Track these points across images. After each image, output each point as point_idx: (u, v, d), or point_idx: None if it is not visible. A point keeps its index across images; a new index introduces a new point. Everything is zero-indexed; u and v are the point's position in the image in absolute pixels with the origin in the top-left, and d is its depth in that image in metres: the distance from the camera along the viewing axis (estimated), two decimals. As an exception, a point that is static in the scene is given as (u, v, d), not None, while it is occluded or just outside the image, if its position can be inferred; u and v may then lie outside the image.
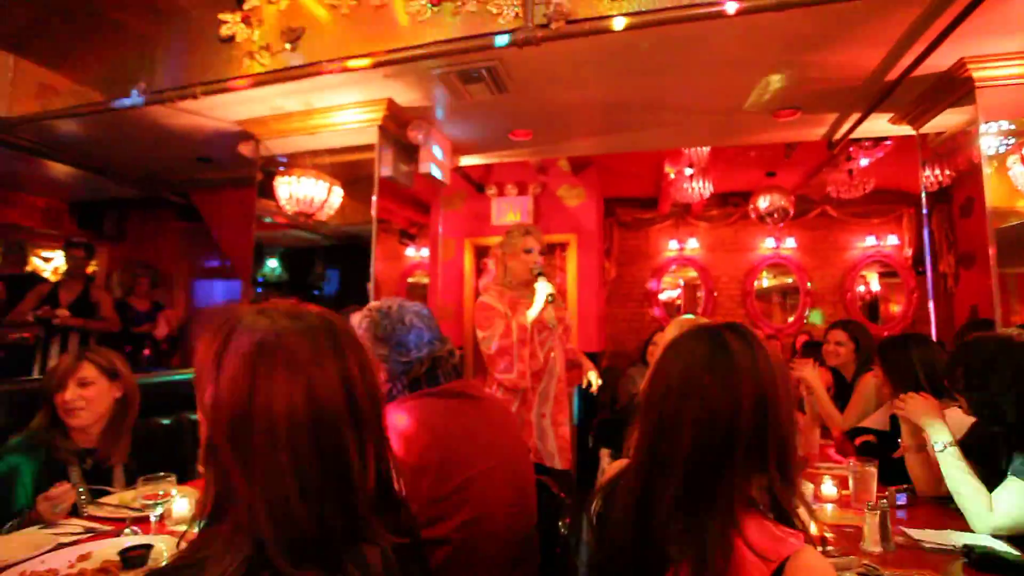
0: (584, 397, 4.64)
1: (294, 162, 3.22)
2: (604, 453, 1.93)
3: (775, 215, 5.30)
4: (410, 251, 6.21)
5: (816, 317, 6.12)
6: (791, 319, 6.22)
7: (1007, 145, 2.57)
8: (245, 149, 3.39)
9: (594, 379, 2.63)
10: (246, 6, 2.69)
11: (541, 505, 1.50)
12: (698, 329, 0.94)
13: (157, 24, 2.87)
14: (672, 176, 4.70)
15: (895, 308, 6.08)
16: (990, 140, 2.54)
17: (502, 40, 2.24)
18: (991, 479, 1.54)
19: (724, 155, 4.58)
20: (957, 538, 1.45)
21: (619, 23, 2.18)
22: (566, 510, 1.43)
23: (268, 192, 3.22)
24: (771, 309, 6.41)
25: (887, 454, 2.14)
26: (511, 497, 1.28)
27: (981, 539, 1.45)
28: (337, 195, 3.14)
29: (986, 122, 2.52)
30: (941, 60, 2.43)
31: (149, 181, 4.44)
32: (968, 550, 1.35)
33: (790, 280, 6.28)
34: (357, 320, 1.33)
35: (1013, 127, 2.56)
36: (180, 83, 2.76)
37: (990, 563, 1.30)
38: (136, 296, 4.45)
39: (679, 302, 6.56)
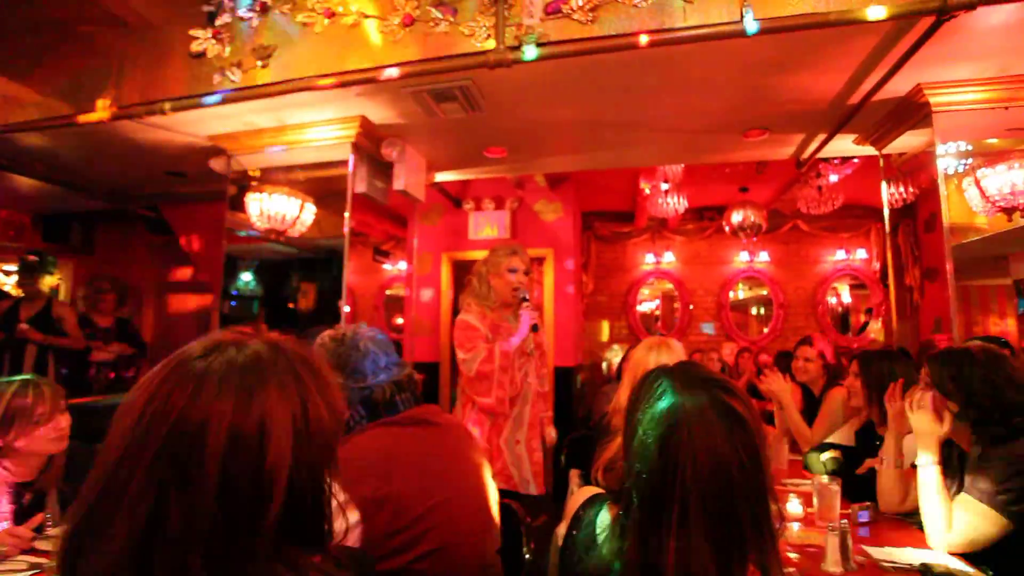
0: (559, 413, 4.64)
1: (266, 177, 3.19)
2: (574, 474, 1.93)
3: (748, 229, 5.40)
4: (387, 265, 6.18)
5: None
6: (766, 330, 6.32)
7: (964, 165, 2.67)
8: (216, 164, 3.35)
9: (552, 435, 2.64)
10: (218, 22, 2.67)
11: (507, 530, 1.49)
12: (696, 393, 0.89)
13: (126, 38, 2.83)
14: (647, 192, 4.77)
15: (865, 317, 6.22)
16: (947, 161, 2.63)
17: (473, 62, 2.26)
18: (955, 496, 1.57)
19: (699, 171, 4.66)
20: (915, 556, 1.48)
21: (591, 46, 2.21)
22: (531, 535, 1.42)
23: (240, 206, 3.18)
24: (747, 320, 6.51)
25: (852, 470, 2.18)
26: (473, 525, 1.27)
27: (939, 557, 1.48)
28: (309, 212, 3.12)
29: (943, 143, 2.61)
30: (899, 86, 2.51)
31: (118, 194, 4.35)
32: (925, 569, 1.38)
33: (764, 292, 6.39)
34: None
35: (970, 147, 2.65)
36: (148, 98, 2.72)
37: (945, 582, 1.33)
38: (100, 312, 4.13)
39: (657, 313, 6.63)
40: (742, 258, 6.34)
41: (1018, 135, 2.60)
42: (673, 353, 1.89)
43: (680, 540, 0.81)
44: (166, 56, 2.75)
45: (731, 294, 6.42)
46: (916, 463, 1.66)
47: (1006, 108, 2.48)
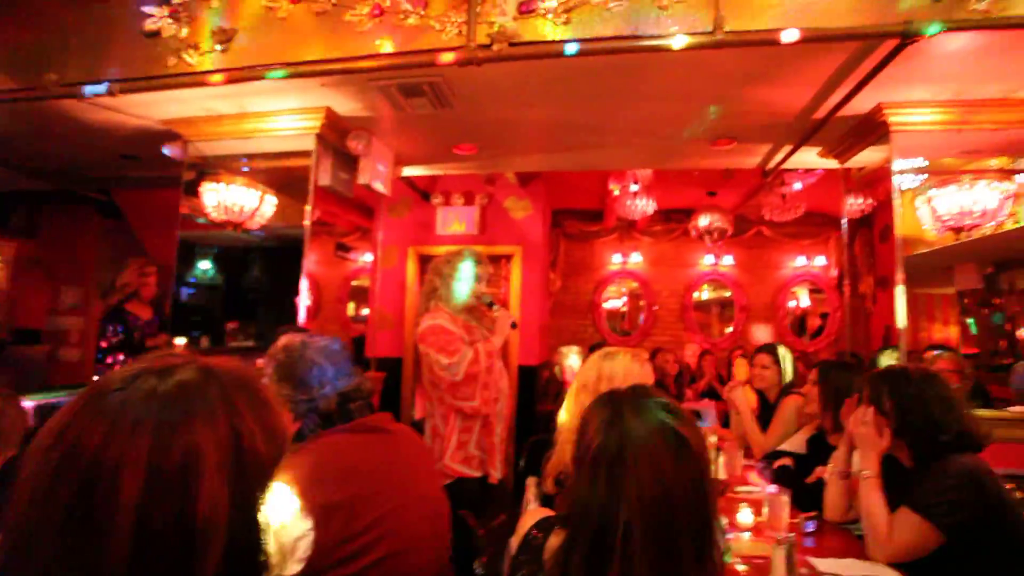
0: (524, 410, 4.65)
1: (225, 165, 3.06)
2: (531, 483, 1.93)
3: (714, 233, 5.50)
4: (354, 255, 6.06)
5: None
6: (729, 330, 6.46)
7: (919, 181, 2.77)
8: (171, 150, 3.20)
9: None
10: (175, 0, 2.54)
11: (459, 541, 1.48)
12: (643, 417, 0.89)
13: (74, 11, 2.65)
14: (616, 193, 4.79)
15: (821, 323, 6.42)
16: (903, 178, 2.72)
17: (443, 58, 2.21)
18: (892, 510, 1.63)
19: (668, 174, 4.70)
20: (857, 568, 1.53)
21: (563, 49, 2.18)
22: (483, 548, 1.41)
23: (197, 194, 3.05)
24: (709, 320, 6.64)
25: (803, 479, 2.24)
26: (426, 532, 1.27)
27: (878, 569, 1.53)
28: (270, 203, 3.01)
29: (900, 160, 2.70)
30: (862, 104, 2.58)
31: (65, 175, 4.12)
32: (865, 582, 1.42)
33: (728, 294, 6.54)
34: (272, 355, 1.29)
35: (926, 163, 2.75)
36: (97, 77, 2.56)
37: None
38: (140, 301, 3.48)
39: (624, 309, 6.70)
40: (707, 261, 6.46)
41: (970, 157, 2.70)
42: (622, 362, 1.89)
43: (623, 569, 0.80)
44: (117, 33, 2.59)
45: (695, 295, 6.54)
46: (863, 475, 1.71)
47: (959, 131, 2.58)
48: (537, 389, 4.79)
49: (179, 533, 0.57)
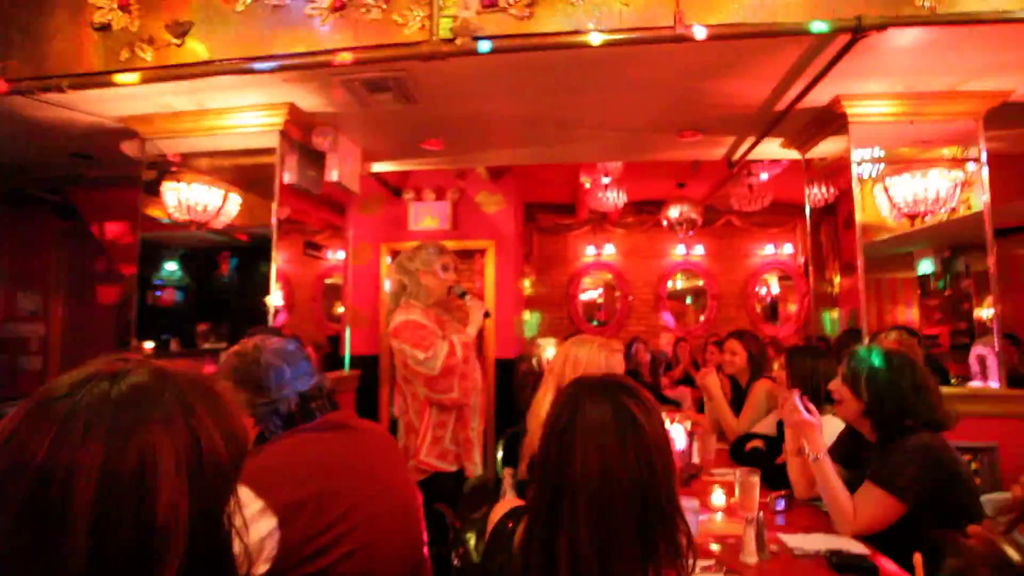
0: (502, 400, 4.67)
1: (187, 163, 2.98)
2: (507, 473, 1.95)
3: (685, 224, 5.58)
4: (328, 252, 5.96)
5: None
6: (702, 318, 6.58)
7: (877, 170, 2.86)
8: (129, 148, 3.10)
9: None
10: (126, -7, 2.45)
11: (436, 534, 1.49)
12: (600, 397, 0.93)
13: (17, 2, 2.54)
14: (588, 186, 4.82)
15: (792, 308, 6.59)
16: (861, 167, 2.81)
17: (406, 53, 2.18)
18: (859, 483, 1.69)
19: (638, 166, 4.75)
20: (824, 542, 1.59)
21: (527, 43, 2.18)
22: (459, 542, 1.42)
23: (158, 194, 2.96)
24: (684, 309, 6.75)
25: (774, 460, 2.31)
26: (397, 523, 1.27)
27: (844, 542, 1.59)
28: (234, 202, 2.94)
29: (858, 150, 2.78)
30: (821, 96, 2.65)
31: (13, 174, 3.94)
32: (830, 555, 1.48)
33: (700, 283, 6.66)
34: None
35: (882, 154, 2.84)
36: (44, 72, 2.46)
37: (847, 566, 1.43)
38: None
39: (600, 301, 6.76)
40: (679, 251, 6.56)
41: (923, 147, 2.80)
42: (587, 349, 1.93)
43: (570, 534, 0.84)
44: (66, 26, 2.49)
45: (669, 285, 6.64)
46: (809, 458, 1.78)
47: (911, 122, 2.67)
48: (515, 382, 4.81)
49: (137, 537, 0.56)
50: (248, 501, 1.02)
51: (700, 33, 2.00)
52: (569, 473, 0.86)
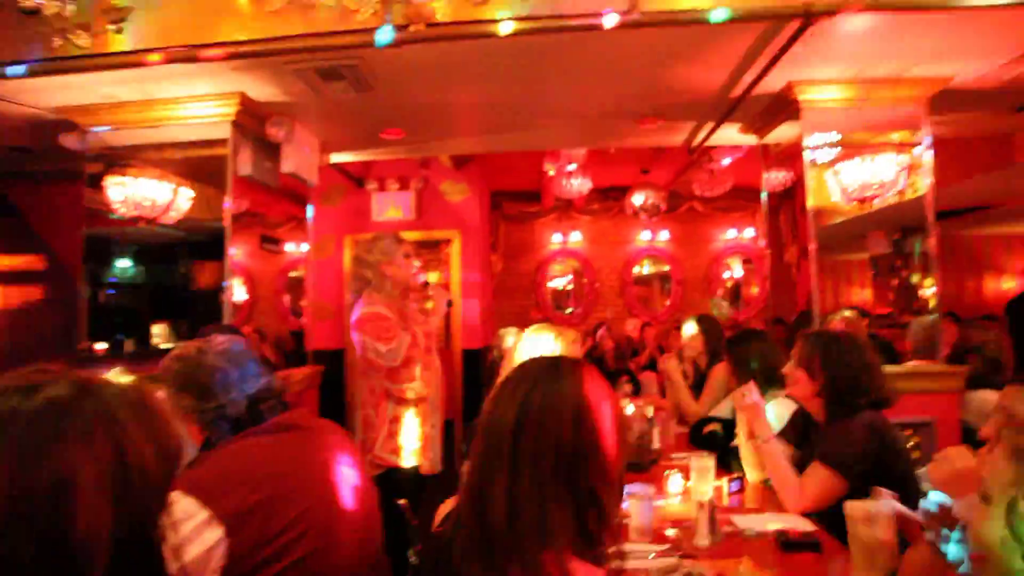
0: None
1: (134, 155, 2.85)
2: (465, 469, 1.95)
3: (649, 210, 5.64)
4: (290, 246, 5.82)
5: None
6: (668, 303, 6.69)
7: (832, 155, 2.93)
8: (68, 140, 2.95)
9: None
10: (54, -26, 2.31)
11: (393, 531, 1.48)
12: (547, 361, 0.97)
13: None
14: (552, 173, 4.82)
15: (754, 291, 6.76)
16: (815, 153, 2.87)
17: (358, 40, 2.13)
18: (808, 462, 1.76)
19: (602, 153, 4.76)
20: (773, 522, 1.64)
21: (481, 30, 2.15)
22: (417, 539, 1.42)
23: (101, 187, 2.83)
24: (650, 294, 6.85)
25: (730, 442, 2.38)
26: (352, 524, 1.25)
27: (792, 520, 1.65)
28: (185, 196, 2.84)
29: (809, 135, 2.84)
30: (773, 82, 2.69)
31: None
32: (779, 534, 1.53)
33: (666, 268, 6.76)
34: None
35: (835, 138, 2.91)
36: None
37: (793, 544, 1.48)
38: None
39: (568, 288, 6.81)
40: (644, 237, 6.64)
41: (873, 132, 2.88)
42: (535, 338, 1.94)
43: (511, 477, 0.83)
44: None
45: (635, 270, 6.72)
46: (758, 440, 1.85)
47: (860, 108, 2.74)
48: (482, 373, 4.82)
49: (54, 558, 0.54)
50: (193, 511, 1.00)
51: (610, 21, 2.00)
52: (515, 419, 0.86)
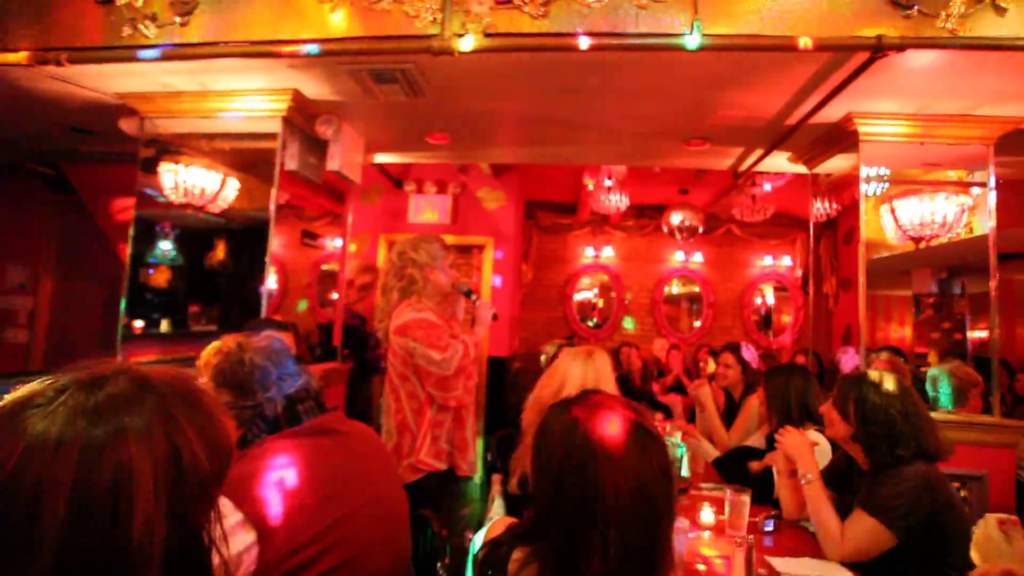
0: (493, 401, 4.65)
1: (186, 143, 2.92)
2: (496, 480, 1.92)
3: (685, 230, 5.56)
4: (325, 240, 5.90)
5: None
6: (697, 323, 6.58)
7: (882, 190, 2.84)
8: (127, 125, 3.03)
9: None
10: (130, -34, 2.38)
11: (422, 542, 1.46)
12: (617, 428, 0.88)
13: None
14: (591, 187, 4.79)
15: (786, 319, 6.60)
16: (869, 186, 2.78)
17: (416, 46, 2.14)
18: (847, 506, 1.68)
19: (641, 171, 4.72)
20: (813, 567, 1.57)
21: (538, 43, 2.14)
22: (444, 550, 1.39)
23: (155, 172, 2.90)
24: (679, 314, 6.75)
25: (755, 476, 2.30)
26: (383, 535, 1.23)
27: (832, 568, 1.58)
28: (232, 187, 2.89)
29: (867, 168, 2.75)
30: (832, 112, 2.62)
31: (6, 147, 3.85)
32: (818, 583, 1.46)
33: (696, 290, 6.65)
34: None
35: (887, 172, 2.82)
36: (42, 44, 2.39)
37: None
38: None
39: (596, 302, 6.75)
40: (678, 257, 6.54)
41: (930, 168, 2.78)
42: (595, 364, 1.90)
43: (603, 565, 0.80)
44: (67, -1, 2.42)
45: (665, 290, 6.63)
46: (802, 480, 1.77)
47: (921, 143, 2.64)
48: (507, 381, 4.79)
49: (111, 556, 0.54)
50: (227, 512, 0.98)
51: (692, 42, 1.96)
52: (599, 507, 0.81)
